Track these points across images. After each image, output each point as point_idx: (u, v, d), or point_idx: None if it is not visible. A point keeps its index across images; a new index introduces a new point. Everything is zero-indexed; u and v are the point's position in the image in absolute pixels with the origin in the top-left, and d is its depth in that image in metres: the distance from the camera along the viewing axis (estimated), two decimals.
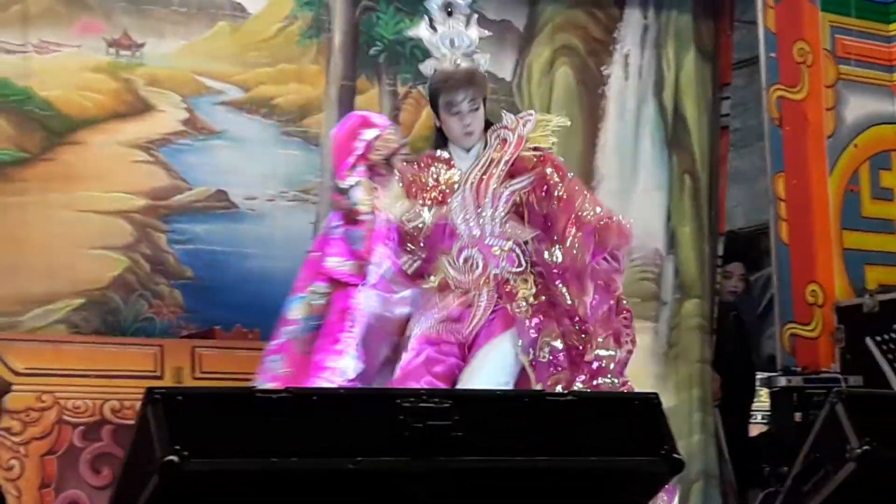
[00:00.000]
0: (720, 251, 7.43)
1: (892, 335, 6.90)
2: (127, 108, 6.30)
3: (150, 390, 3.10)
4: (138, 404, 3.15)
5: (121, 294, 6.13)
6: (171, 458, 2.97)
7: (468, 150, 4.78)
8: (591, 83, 7.36)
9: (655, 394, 3.66)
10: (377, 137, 4.94)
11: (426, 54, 5.73)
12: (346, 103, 6.77)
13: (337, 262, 4.87)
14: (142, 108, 6.33)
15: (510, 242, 4.70)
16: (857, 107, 7.68)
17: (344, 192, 4.92)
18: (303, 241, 6.54)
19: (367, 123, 4.99)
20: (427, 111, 6.97)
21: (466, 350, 4.65)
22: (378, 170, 4.93)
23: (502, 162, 4.72)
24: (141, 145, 6.29)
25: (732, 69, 8.41)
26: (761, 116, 7.58)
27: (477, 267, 4.70)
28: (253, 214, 6.48)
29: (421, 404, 3.27)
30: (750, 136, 8.78)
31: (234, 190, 6.44)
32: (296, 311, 4.81)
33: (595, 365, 4.56)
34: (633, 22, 7.48)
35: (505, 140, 4.77)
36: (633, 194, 7.33)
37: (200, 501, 3.08)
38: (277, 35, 6.69)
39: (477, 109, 4.72)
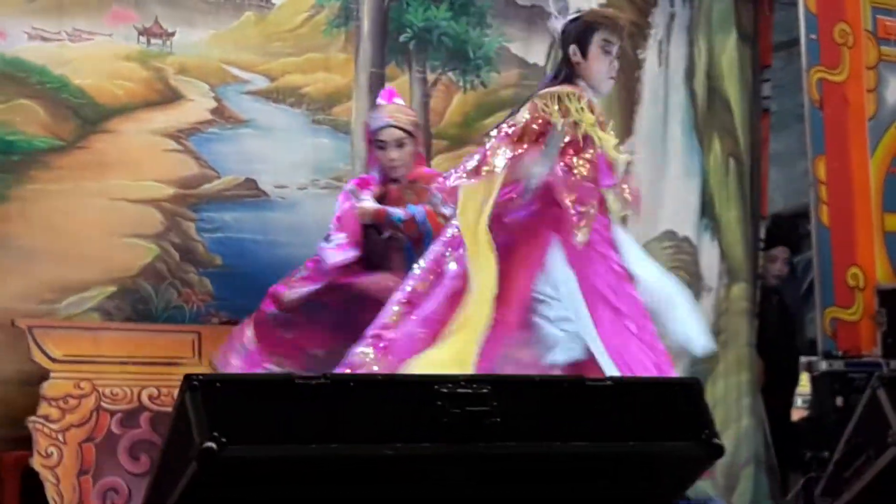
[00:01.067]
0: (762, 234, 7.40)
1: None
2: (157, 96, 6.29)
3: (188, 377, 3.09)
4: (176, 391, 3.15)
5: (151, 282, 6.13)
6: (209, 444, 2.96)
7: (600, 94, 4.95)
8: (628, 66, 7.32)
9: (697, 379, 3.64)
10: None
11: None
12: (376, 91, 6.74)
13: None
14: (171, 96, 6.33)
15: None
16: None
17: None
18: None
19: None
20: (459, 97, 6.96)
21: None
22: None
23: None
24: (171, 134, 6.29)
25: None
26: (800, 98, 7.52)
27: None
28: (283, 202, 6.47)
29: (459, 390, 3.26)
30: (788, 118, 8.73)
31: (263, 178, 6.43)
32: None
33: None
34: (664, 9, 7.46)
35: None
36: (665, 181, 7.31)
37: (239, 488, 3.07)
38: (303, 25, 6.68)
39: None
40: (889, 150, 7.55)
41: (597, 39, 4.90)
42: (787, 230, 8.15)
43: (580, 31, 4.94)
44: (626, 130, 7.27)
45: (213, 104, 6.42)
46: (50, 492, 5.39)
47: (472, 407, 3.25)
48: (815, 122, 7.34)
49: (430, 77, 6.93)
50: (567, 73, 4.96)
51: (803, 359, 7.49)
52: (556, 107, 4.81)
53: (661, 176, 7.32)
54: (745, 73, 7.52)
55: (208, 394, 3.05)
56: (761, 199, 7.48)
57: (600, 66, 4.90)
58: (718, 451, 3.45)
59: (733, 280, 7.28)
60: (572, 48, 4.94)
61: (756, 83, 7.54)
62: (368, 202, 5.59)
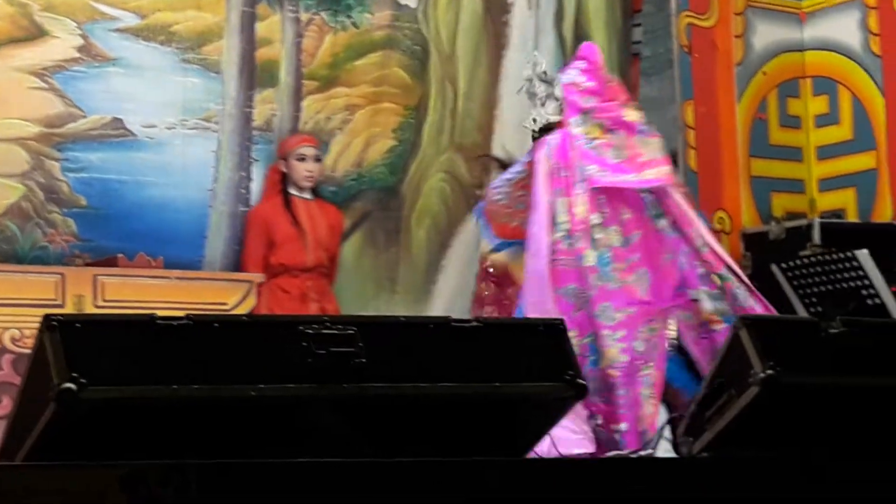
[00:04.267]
0: None
1: (798, 262, 6.95)
2: (22, 33, 6.19)
3: (47, 317, 3.04)
4: None
5: (17, 222, 6.04)
6: (68, 385, 2.93)
7: None
8: (497, 10, 7.33)
9: (561, 319, 3.66)
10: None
11: None
12: (247, 30, 6.69)
13: None
14: (37, 33, 6.22)
15: None
16: (766, 34, 7.69)
17: None
18: (204, 168, 6.51)
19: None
20: (330, 38, 6.91)
21: None
22: None
23: None
24: (35, 72, 6.19)
25: None
26: (671, 43, 7.57)
27: None
28: (151, 142, 6.41)
29: (324, 331, 3.25)
30: (660, 63, 8.78)
31: (130, 118, 6.36)
32: None
33: None
34: None
35: None
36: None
37: (99, 430, 3.03)
38: None
39: None
40: (756, 95, 7.64)
41: None
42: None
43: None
44: (494, 75, 7.27)
45: (80, 41, 6.34)
46: None
47: (338, 348, 3.24)
48: (684, 68, 7.41)
49: (304, 17, 6.87)
50: None
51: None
52: None
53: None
54: (613, 17, 7.54)
55: (67, 334, 3.00)
56: None
57: None
58: (582, 390, 3.49)
59: None
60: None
61: (626, 28, 7.56)
62: None
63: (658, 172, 5.44)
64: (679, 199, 5.52)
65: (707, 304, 5.40)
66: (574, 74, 5.77)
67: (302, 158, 6.51)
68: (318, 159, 6.55)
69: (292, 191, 6.52)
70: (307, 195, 6.57)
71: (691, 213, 5.54)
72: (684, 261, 5.48)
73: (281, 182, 6.54)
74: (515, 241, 5.66)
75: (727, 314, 5.36)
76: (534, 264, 5.33)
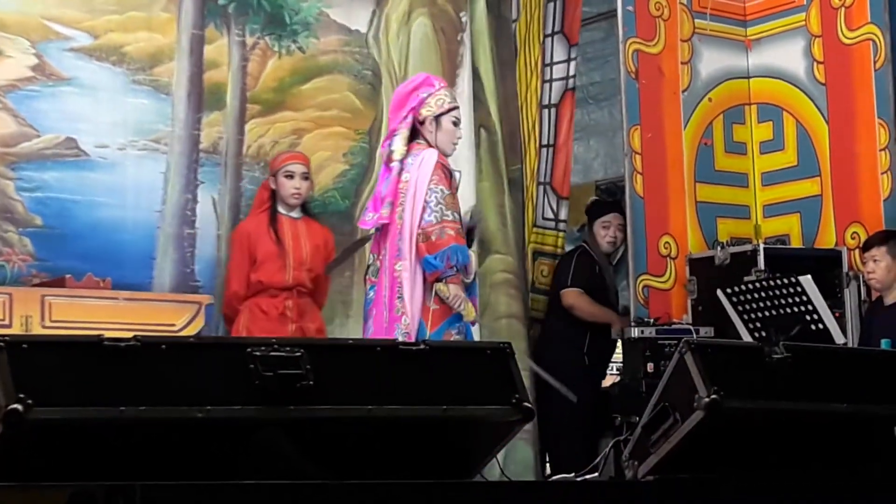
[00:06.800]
0: (563, 212, 7.56)
1: (742, 287, 6.99)
2: None
3: None
4: None
5: None
6: (15, 406, 2.93)
7: None
8: (451, 30, 7.35)
9: (508, 343, 3.68)
10: (430, 95, 5.76)
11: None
12: (196, 52, 6.68)
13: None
14: None
15: None
16: (712, 61, 7.73)
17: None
18: (153, 190, 6.49)
19: (427, 83, 5.83)
20: (274, 62, 6.92)
21: None
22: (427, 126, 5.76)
23: None
24: None
25: (591, 22, 8.44)
26: (618, 69, 7.60)
27: None
28: (104, 162, 6.38)
29: (272, 353, 3.26)
30: (609, 89, 8.84)
31: (84, 138, 6.33)
32: None
33: None
34: None
35: None
36: None
37: (46, 451, 3.04)
38: None
39: None
40: (702, 121, 7.68)
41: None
42: (621, 197, 8.23)
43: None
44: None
45: (34, 61, 6.31)
46: None
47: (285, 370, 3.25)
48: (631, 93, 7.44)
49: (249, 40, 6.87)
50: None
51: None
52: None
53: None
54: (492, 41, 7.52)
55: (15, 355, 3.01)
56: (563, 176, 7.59)
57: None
58: (529, 414, 3.51)
59: (487, 251, 7.25)
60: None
61: (501, 50, 7.55)
62: None
63: (372, 218, 5.81)
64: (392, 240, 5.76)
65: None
66: None
67: (290, 175, 6.46)
68: (305, 177, 6.52)
69: (280, 209, 6.50)
70: (295, 214, 6.52)
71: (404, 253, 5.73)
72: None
73: (269, 199, 6.51)
74: None
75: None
76: None
